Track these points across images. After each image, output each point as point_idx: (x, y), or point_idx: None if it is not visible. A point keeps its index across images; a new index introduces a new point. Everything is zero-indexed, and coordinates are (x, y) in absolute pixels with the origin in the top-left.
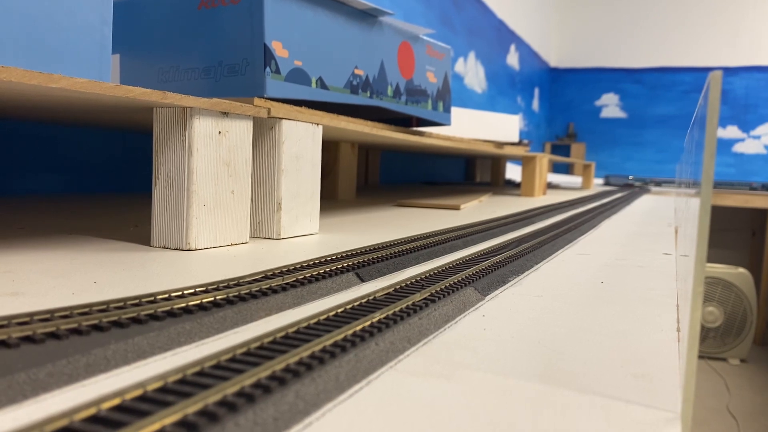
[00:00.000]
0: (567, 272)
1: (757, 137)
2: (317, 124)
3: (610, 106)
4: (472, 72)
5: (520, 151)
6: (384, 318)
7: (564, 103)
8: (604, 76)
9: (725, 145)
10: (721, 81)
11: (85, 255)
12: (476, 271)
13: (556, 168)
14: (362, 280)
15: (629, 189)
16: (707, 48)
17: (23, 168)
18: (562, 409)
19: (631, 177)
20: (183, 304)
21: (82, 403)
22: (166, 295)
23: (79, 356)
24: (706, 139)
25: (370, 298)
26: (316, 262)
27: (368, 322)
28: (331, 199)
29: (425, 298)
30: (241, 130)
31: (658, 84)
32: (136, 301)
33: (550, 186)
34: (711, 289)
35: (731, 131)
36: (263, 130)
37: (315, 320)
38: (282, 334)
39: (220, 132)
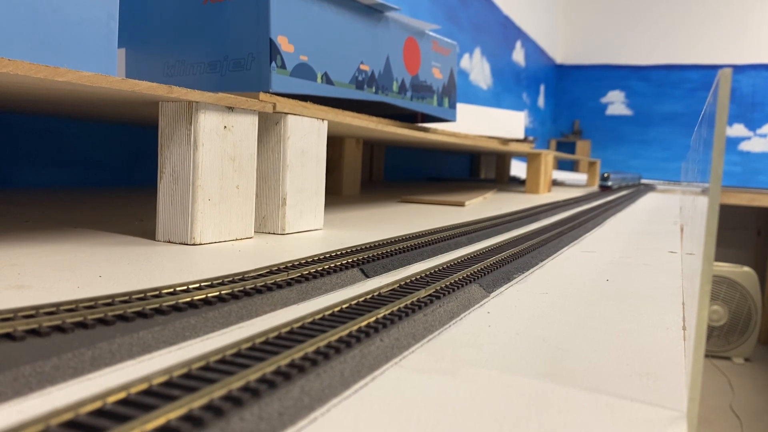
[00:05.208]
0: (572, 270)
1: (764, 135)
2: (322, 120)
3: (616, 103)
4: (477, 68)
5: (525, 147)
6: (389, 314)
7: (570, 100)
8: (610, 73)
9: (731, 143)
10: (730, 78)
11: (91, 249)
12: (481, 268)
13: (561, 165)
14: (367, 276)
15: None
16: (714, 45)
17: (29, 161)
18: (567, 406)
19: (606, 174)
20: (188, 299)
21: (87, 397)
22: (171, 290)
23: (85, 350)
24: (715, 137)
25: (375, 294)
26: (321, 257)
27: (373, 318)
28: (336, 194)
29: (430, 295)
30: (247, 125)
31: (664, 81)
32: (142, 295)
33: (555, 183)
34: (716, 288)
35: (737, 129)
36: (268, 125)
37: (320, 316)
38: (287, 329)
39: (225, 127)
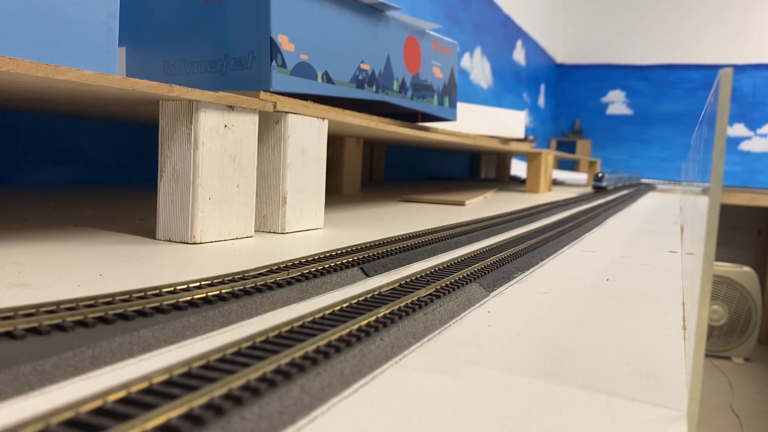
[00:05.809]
0: (572, 269)
1: (764, 135)
2: (323, 119)
3: (617, 102)
4: (478, 67)
5: (525, 147)
6: (389, 313)
7: (570, 100)
8: (611, 73)
9: (732, 143)
10: (731, 78)
11: (91, 247)
12: (481, 268)
13: (562, 164)
14: (367, 275)
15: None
16: (715, 45)
17: (29, 160)
18: (568, 406)
19: (600, 174)
20: (188, 298)
21: (88, 395)
22: (172, 288)
23: (85, 348)
24: (716, 136)
25: (375, 293)
26: (321, 256)
27: (373, 317)
28: (336, 193)
29: (430, 294)
30: (247, 124)
31: (665, 81)
32: (142, 293)
33: (556, 182)
34: (716, 288)
35: (738, 129)
36: (269, 124)
37: (320, 315)
38: (287, 328)
39: (225, 126)
